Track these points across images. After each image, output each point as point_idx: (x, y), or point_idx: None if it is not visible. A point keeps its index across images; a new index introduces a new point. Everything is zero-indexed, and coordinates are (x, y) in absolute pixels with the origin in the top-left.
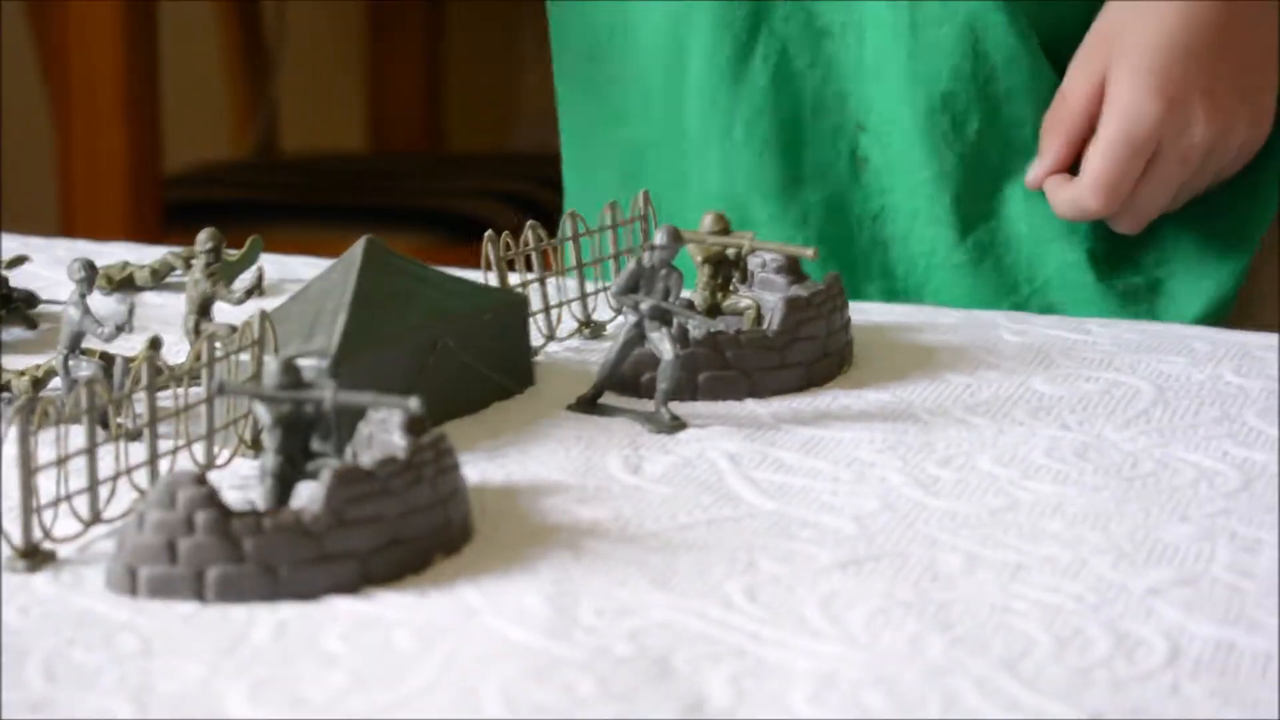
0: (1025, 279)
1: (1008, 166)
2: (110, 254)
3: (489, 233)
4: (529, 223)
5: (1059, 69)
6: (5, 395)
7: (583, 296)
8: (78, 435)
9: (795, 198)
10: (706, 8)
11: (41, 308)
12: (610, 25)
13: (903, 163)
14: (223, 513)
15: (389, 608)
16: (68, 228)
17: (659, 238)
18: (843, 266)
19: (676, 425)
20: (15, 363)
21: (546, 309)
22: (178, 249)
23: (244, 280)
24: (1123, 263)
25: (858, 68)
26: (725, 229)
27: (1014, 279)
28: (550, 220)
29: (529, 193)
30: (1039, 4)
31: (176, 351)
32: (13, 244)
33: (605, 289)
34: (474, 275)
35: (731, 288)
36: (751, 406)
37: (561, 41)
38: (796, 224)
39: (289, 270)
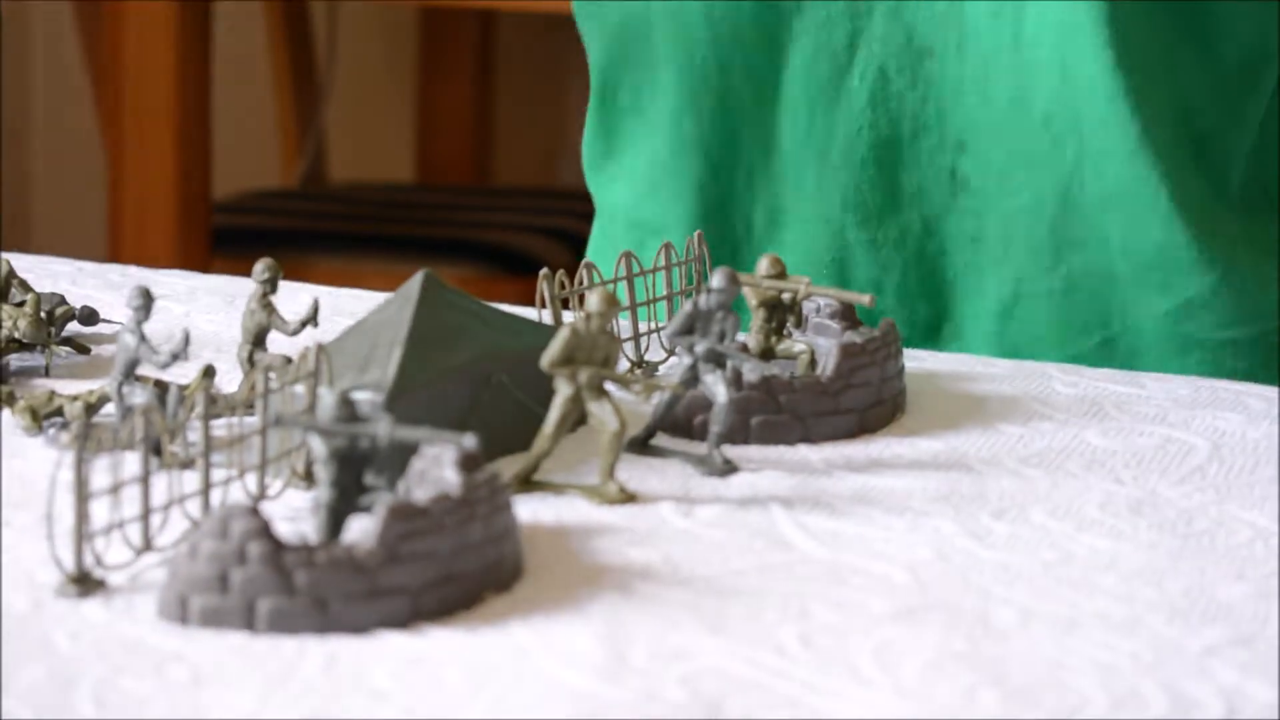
0: (1117, 317)
1: (1105, 198)
2: (163, 282)
3: (544, 271)
4: (584, 262)
5: (1155, 106)
6: (59, 420)
7: (635, 336)
8: (131, 462)
9: (893, 219)
10: (801, 30)
11: (96, 331)
12: (694, 42)
13: (1002, 185)
14: (276, 545)
15: (439, 645)
16: (115, 252)
17: (716, 280)
18: (938, 289)
19: (728, 469)
20: (69, 387)
21: None
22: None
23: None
24: (1225, 316)
25: (958, 86)
26: (782, 273)
27: (1105, 316)
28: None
29: (574, 228)
30: (1132, 35)
31: (230, 381)
32: (66, 268)
33: (658, 329)
34: (520, 310)
35: (786, 332)
36: (804, 452)
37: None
38: (895, 245)
39: (338, 303)
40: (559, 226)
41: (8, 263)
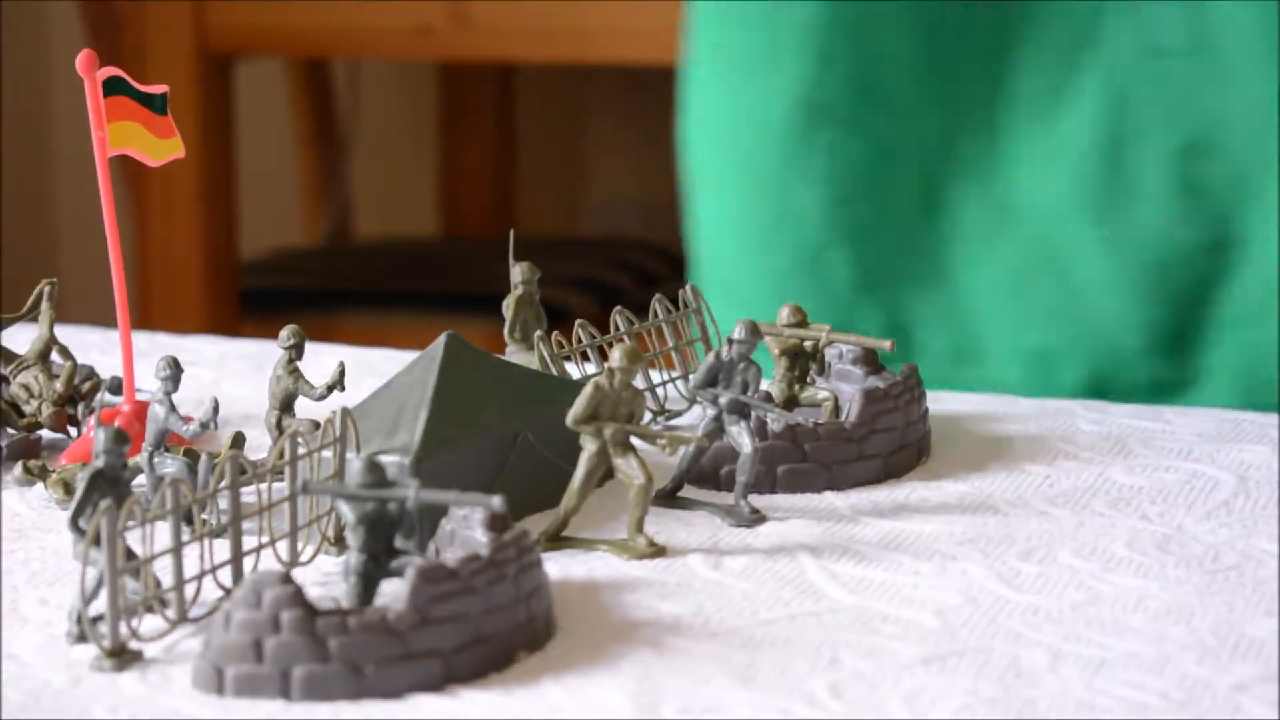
0: None
1: None
2: (192, 348)
3: (539, 333)
4: (578, 321)
5: None
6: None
7: (651, 387)
8: (163, 531)
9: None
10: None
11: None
12: None
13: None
14: (308, 612)
15: (473, 706)
16: (145, 316)
17: (738, 332)
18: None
19: (756, 518)
20: None
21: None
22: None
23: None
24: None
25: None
26: (803, 321)
27: None
28: (626, 302)
29: (600, 277)
30: None
31: (259, 446)
32: (96, 338)
33: (672, 380)
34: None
35: (809, 379)
36: (830, 499)
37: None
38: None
39: (366, 363)
40: (586, 276)
41: (50, 328)
